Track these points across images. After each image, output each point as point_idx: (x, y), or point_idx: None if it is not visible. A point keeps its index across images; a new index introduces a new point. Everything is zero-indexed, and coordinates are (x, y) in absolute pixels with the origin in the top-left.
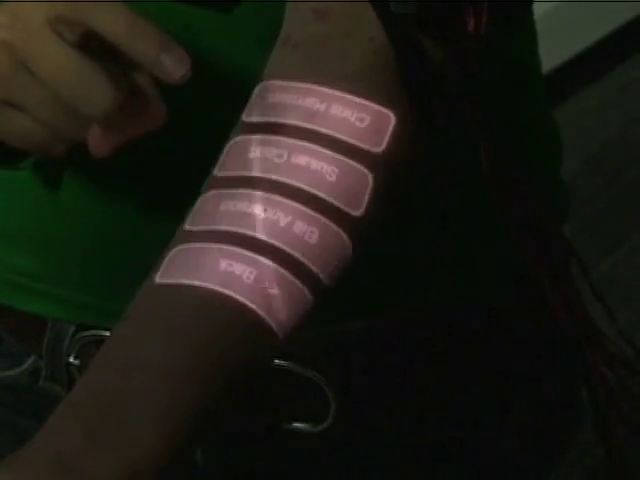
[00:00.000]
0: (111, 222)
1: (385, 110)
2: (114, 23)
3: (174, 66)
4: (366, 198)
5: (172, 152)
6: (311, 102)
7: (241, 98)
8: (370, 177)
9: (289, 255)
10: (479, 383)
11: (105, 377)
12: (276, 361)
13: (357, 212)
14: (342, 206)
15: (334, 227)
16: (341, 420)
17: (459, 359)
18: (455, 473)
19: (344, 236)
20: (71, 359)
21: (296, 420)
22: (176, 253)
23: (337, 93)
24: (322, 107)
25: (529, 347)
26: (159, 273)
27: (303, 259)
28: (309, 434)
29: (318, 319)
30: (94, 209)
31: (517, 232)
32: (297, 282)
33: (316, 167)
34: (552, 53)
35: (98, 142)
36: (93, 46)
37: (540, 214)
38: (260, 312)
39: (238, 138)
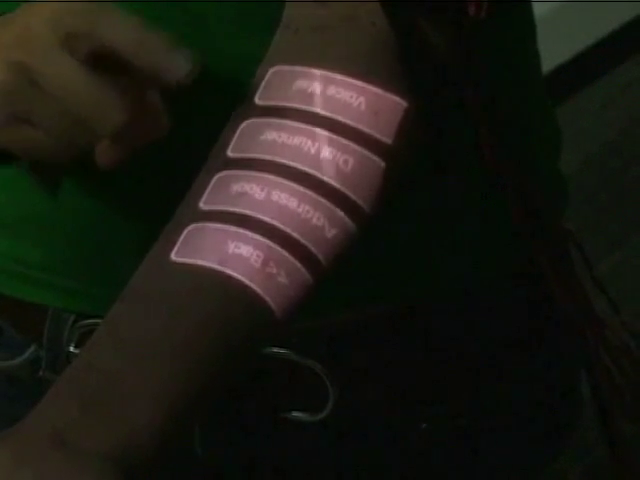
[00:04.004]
0: (109, 213)
1: (391, 96)
2: (124, 35)
3: (180, 68)
4: (377, 188)
5: (167, 147)
6: (332, 91)
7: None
8: (382, 168)
9: (290, 236)
10: (477, 378)
11: (102, 352)
12: (276, 349)
13: (366, 202)
14: (351, 194)
15: (340, 214)
16: (340, 409)
17: (457, 352)
18: (453, 469)
19: (349, 223)
20: (71, 348)
21: (295, 409)
22: (189, 232)
23: (346, 78)
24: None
25: (528, 342)
26: (174, 250)
27: (304, 241)
28: (308, 423)
29: (318, 308)
30: (92, 200)
31: (516, 215)
32: (297, 263)
33: (328, 156)
34: (552, 53)
35: (105, 154)
36: (102, 59)
37: (539, 198)
38: (259, 291)
39: (250, 121)
